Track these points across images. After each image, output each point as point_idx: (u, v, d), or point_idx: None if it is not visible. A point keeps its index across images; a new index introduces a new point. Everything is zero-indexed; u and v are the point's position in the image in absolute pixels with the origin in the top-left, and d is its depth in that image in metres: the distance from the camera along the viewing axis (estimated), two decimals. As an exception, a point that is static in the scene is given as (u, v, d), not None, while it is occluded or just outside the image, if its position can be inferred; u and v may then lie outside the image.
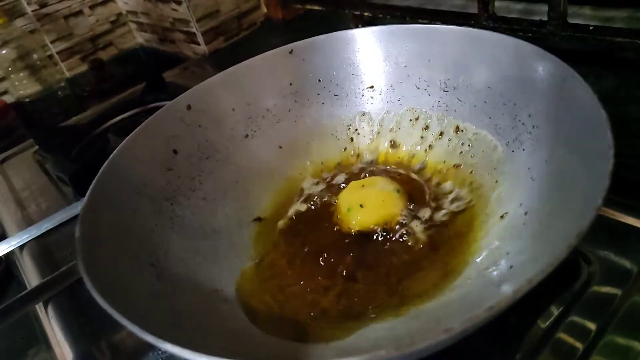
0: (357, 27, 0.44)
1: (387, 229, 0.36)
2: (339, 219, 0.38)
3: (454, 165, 0.40)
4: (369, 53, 0.44)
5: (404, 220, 0.37)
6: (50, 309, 0.42)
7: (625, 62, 0.52)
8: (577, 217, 0.21)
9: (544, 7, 0.50)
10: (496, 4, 0.55)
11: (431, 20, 0.60)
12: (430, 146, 0.42)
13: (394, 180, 0.40)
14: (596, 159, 0.24)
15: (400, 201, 0.37)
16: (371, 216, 0.37)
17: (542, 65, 0.32)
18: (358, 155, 0.46)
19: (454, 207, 0.37)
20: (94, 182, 0.34)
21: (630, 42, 0.47)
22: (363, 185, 0.39)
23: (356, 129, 0.46)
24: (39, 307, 0.42)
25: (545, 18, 0.50)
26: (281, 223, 0.41)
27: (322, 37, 0.44)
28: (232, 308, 0.33)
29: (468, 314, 0.19)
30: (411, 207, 0.37)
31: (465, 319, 0.18)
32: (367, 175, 0.42)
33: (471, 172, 0.38)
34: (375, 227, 0.36)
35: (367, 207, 0.37)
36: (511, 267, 0.28)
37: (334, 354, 0.28)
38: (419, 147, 0.43)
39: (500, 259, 0.30)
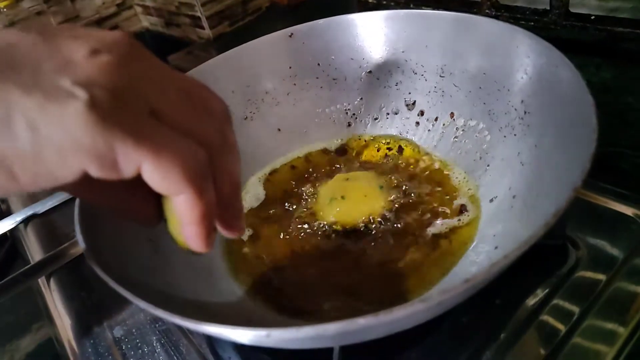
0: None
1: (369, 222, 0.37)
2: (320, 209, 0.39)
3: (448, 150, 0.41)
4: (368, 38, 0.44)
5: (388, 213, 0.37)
6: (52, 283, 0.43)
7: (626, 53, 0.52)
8: (557, 199, 0.22)
9: (549, -4, 0.50)
10: (503, -10, 0.55)
11: (435, 7, 0.60)
12: (425, 131, 0.43)
13: (382, 171, 0.41)
14: (581, 143, 0.24)
15: (382, 197, 0.37)
16: (352, 209, 0.37)
17: (535, 52, 0.32)
18: (354, 140, 0.46)
19: (447, 195, 0.38)
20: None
21: (632, 32, 0.47)
22: (347, 179, 0.40)
23: (354, 114, 0.46)
24: (42, 282, 0.44)
25: (548, 7, 0.50)
26: (263, 204, 0.41)
27: (321, 21, 0.44)
28: (226, 283, 0.34)
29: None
30: (396, 200, 0.37)
31: (441, 290, 0.18)
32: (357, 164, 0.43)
33: (464, 156, 0.39)
34: (356, 219, 0.37)
35: (348, 199, 0.37)
36: (496, 247, 0.28)
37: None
38: (414, 132, 0.43)
39: (487, 240, 0.30)
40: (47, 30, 0.19)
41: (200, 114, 0.20)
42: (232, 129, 0.22)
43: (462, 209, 0.36)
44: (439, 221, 0.35)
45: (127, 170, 0.18)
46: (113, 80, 0.18)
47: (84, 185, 0.18)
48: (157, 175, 0.18)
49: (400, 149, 0.43)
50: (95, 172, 0.18)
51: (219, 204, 0.22)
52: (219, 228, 0.23)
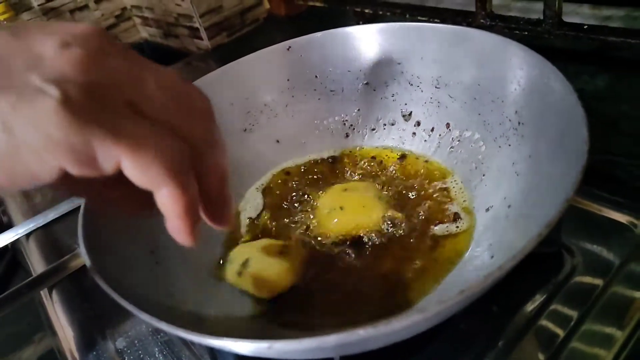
0: (358, 24, 0.45)
1: (367, 233, 0.37)
2: (319, 220, 0.39)
3: (444, 160, 0.41)
4: (365, 50, 0.45)
5: (386, 223, 0.37)
6: (54, 295, 0.43)
7: (619, 61, 0.52)
8: (550, 209, 0.22)
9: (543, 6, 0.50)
10: (497, 1, 0.55)
11: (430, 18, 0.61)
12: (422, 142, 0.43)
13: (378, 183, 0.41)
14: (573, 154, 0.25)
15: (380, 207, 0.38)
16: (350, 220, 0.37)
17: (528, 64, 0.33)
18: (351, 152, 0.47)
19: (444, 204, 0.38)
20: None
21: (624, 41, 0.47)
22: (345, 189, 0.40)
23: (351, 125, 0.47)
24: (44, 294, 0.44)
25: (541, 17, 0.51)
26: (265, 217, 0.42)
27: (319, 34, 0.45)
28: (228, 294, 0.35)
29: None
30: (394, 210, 0.38)
31: (438, 301, 0.19)
32: (354, 174, 0.43)
33: (460, 166, 0.39)
34: (355, 230, 0.37)
35: (347, 210, 0.38)
36: (492, 257, 0.29)
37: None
38: (411, 143, 0.44)
39: (483, 250, 0.31)
40: (17, 27, 0.18)
41: (181, 108, 0.20)
42: (215, 123, 0.22)
43: (456, 217, 0.36)
44: (435, 230, 0.36)
45: (107, 167, 0.18)
46: (86, 74, 0.17)
47: (69, 182, 0.18)
48: (137, 170, 0.18)
49: (399, 159, 0.44)
50: (73, 170, 0.17)
51: (206, 197, 0.21)
52: (206, 220, 0.23)
